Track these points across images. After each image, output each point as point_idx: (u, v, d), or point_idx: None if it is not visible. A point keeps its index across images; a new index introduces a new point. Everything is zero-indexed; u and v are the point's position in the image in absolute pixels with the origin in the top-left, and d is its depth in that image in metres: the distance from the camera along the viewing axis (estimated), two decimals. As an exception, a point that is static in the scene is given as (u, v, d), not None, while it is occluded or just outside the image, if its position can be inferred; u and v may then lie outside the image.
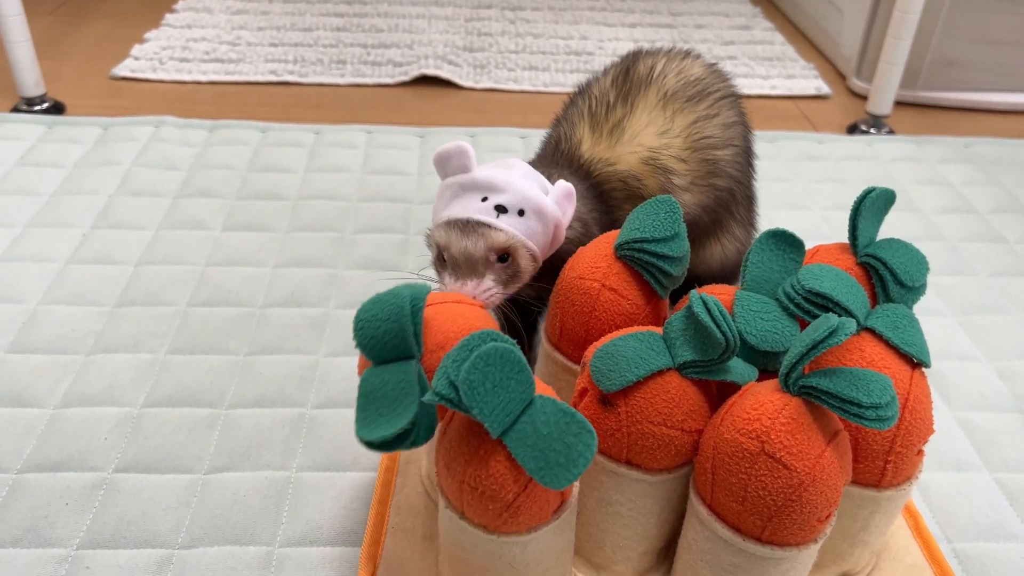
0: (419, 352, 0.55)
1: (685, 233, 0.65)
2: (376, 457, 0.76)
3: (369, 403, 0.53)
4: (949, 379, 0.89)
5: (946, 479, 0.77)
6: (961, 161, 1.34)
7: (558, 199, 0.71)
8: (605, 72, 0.87)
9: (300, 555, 0.67)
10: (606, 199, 0.80)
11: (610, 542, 0.63)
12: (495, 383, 0.49)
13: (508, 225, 0.68)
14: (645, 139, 0.80)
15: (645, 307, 0.65)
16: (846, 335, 0.51)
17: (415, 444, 0.52)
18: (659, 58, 0.84)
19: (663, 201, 0.65)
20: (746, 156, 0.86)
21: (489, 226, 0.68)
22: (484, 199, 0.69)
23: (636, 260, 0.65)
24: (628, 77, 0.83)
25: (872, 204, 0.64)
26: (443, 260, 0.71)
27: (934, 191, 1.25)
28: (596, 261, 0.66)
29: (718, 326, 0.54)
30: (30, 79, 1.33)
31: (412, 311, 0.54)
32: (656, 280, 0.65)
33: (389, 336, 0.54)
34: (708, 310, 0.54)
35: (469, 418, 0.52)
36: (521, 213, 0.69)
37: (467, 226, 0.69)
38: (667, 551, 0.66)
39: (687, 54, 0.86)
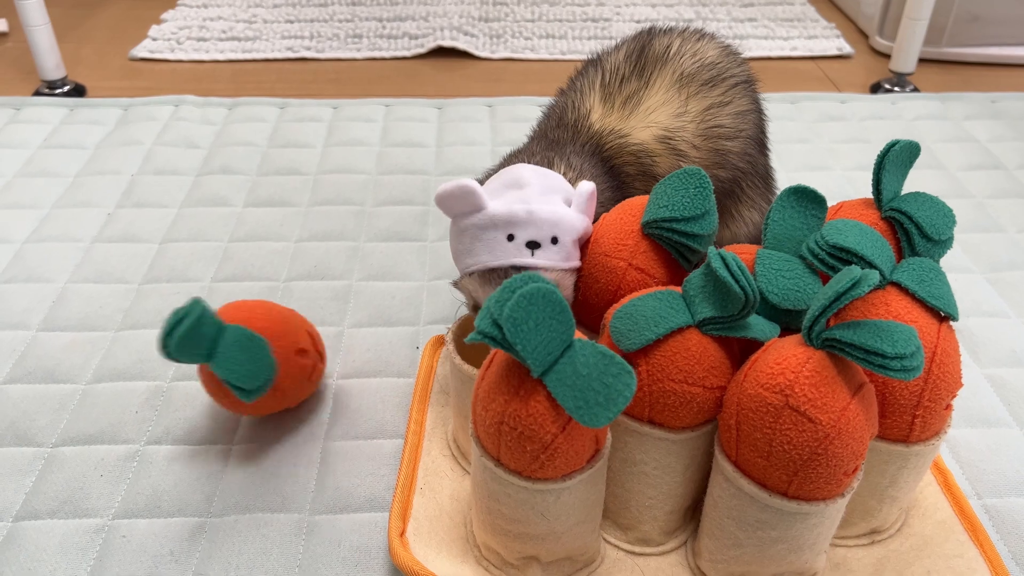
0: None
1: (715, 208, 0.63)
2: (402, 425, 0.76)
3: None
4: (978, 336, 0.87)
5: (976, 435, 0.76)
6: (987, 117, 1.31)
7: (584, 207, 0.65)
8: (618, 47, 0.84)
9: (330, 522, 0.68)
10: (618, 175, 0.78)
11: (636, 502, 0.63)
12: (537, 322, 0.49)
13: (547, 260, 0.63)
14: (661, 118, 0.78)
15: (670, 285, 0.65)
16: (870, 286, 0.50)
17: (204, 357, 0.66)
18: (675, 37, 0.82)
19: (692, 174, 0.63)
20: (757, 144, 0.84)
21: (527, 269, 0.61)
22: (510, 237, 0.62)
23: (665, 239, 0.64)
24: (643, 54, 0.81)
25: (896, 157, 0.63)
26: None
27: (960, 148, 1.23)
28: (622, 238, 0.65)
29: (737, 281, 0.53)
30: (50, 62, 1.34)
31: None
32: (684, 258, 0.65)
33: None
34: (727, 265, 0.54)
35: (509, 359, 0.53)
36: (554, 241, 0.63)
37: (505, 276, 0.62)
38: (693, 510, 0.66)
39: (703, 35, 0.83)
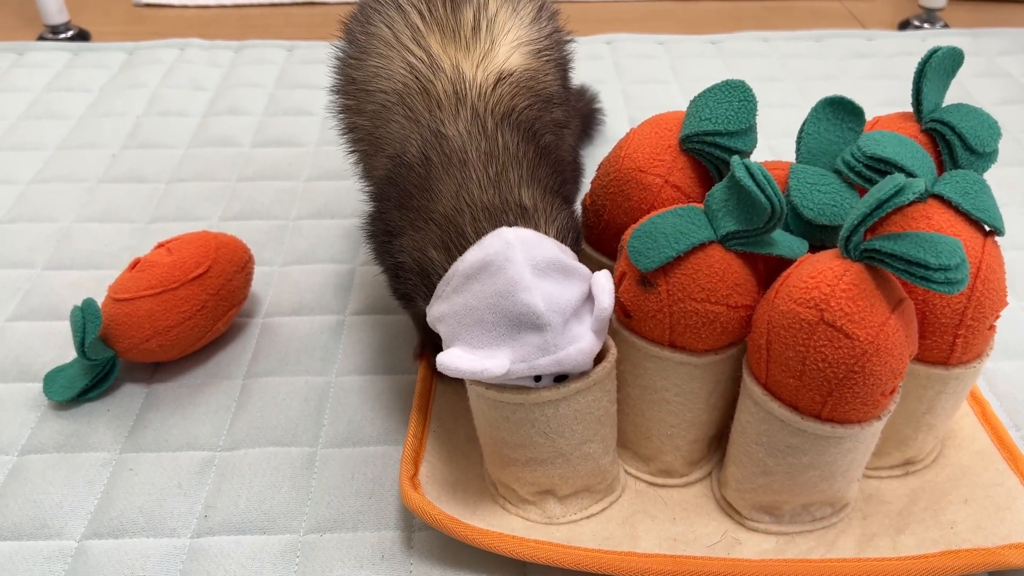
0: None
1: (756, 123, 0.59)
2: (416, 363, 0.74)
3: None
4: (1014, 269, 0.83)
5: (1013, 367, 0.73)
6: (1022, 52, 1.26)
7: (602, 327, 0.54)
8: None
9: (343, 455, 0.66)
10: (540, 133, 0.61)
11: (657, 431, 0.60)
12: None
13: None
14: (520, 31, 0.63)
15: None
16: (915, 194, 0.47)
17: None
18: None
19: (736, 87, 0.59)
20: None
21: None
22: (537, 379, 0.53)
23: (706, 155, 0.60)
24: None
25: (938, 65, 0.59)
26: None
27: (993, 84, 1.18)
28: (658, 152, 0.61)
29: (762, 190, 0.50)
30: (53, 6, 1.31)
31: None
32: (722, 176, 0.60)
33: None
34: (752, 175, 0.50)
35: None
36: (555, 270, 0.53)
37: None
38: (718, 441, 0.63)
39: None
